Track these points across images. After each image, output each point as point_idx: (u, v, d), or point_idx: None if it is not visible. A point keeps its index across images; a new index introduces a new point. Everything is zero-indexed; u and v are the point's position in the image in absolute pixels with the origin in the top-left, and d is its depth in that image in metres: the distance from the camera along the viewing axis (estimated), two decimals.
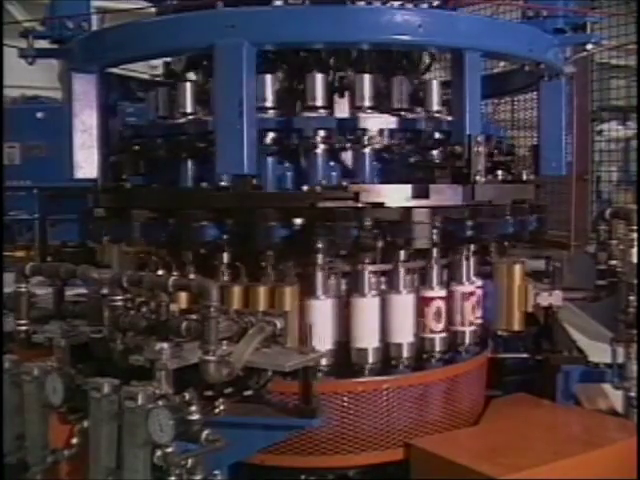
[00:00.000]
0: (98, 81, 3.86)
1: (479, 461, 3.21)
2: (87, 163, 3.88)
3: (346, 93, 3.73)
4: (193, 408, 2.60)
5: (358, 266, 3.51)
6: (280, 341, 3.04)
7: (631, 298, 3.86)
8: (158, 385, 2.67)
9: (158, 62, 4.33)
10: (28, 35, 4.03)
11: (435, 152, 3.68)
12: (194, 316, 2.88)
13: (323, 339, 3.40)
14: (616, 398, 4.07)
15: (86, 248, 4.65)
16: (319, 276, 3.44)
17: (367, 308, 3.49)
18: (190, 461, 2.62)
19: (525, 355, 4.28)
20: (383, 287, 3.61)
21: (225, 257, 3.51)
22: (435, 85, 3.75)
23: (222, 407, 2.98)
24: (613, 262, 4.27)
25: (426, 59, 4.18)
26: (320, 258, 3.40)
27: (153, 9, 4.38)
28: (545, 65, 3.96)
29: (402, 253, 3.53)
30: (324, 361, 3.43)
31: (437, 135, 3.67)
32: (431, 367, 3.63)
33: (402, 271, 3.55)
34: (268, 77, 3.58)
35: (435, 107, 3.71)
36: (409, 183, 3.47)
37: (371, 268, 3.52)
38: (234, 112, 3.21)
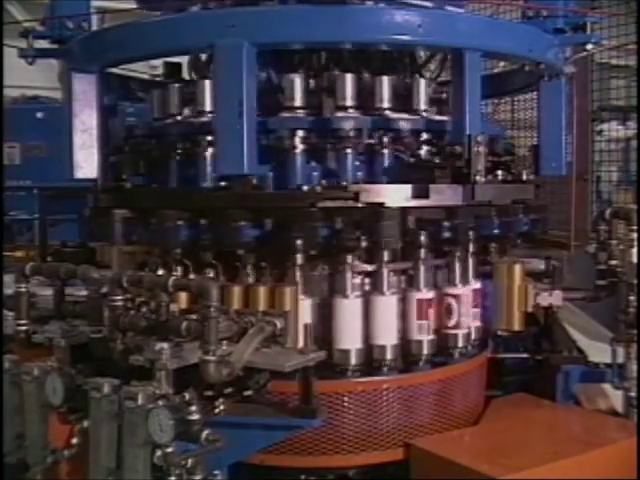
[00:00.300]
0: (98, 81, 3.86)
1: (479, 461, 3.21)
2: (87, 163, 3.88)
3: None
4: (193, 408, 2.60)
5: (339, 267, 3.48)
6: (280, 341, 3.04)
7: (631, 298, 3.85)
8: (158, 385, 2.67)
9: (158, 62, 4.33)
10: (28, 35, 4.04)
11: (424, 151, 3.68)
12: (194, 316, 2.87)
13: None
14: (616, 398, 4.06)
15: (86, 248, 4.64)
16: (298, 276, 3.41)
17: (349, 309, 3.46)
18: (190, 461, 2.62)
19: (525, 355, 4.27)
20: (367, 288, 3.57)
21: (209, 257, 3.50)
22: (423, 84, 3.76)
23: (222, 407, 2.98)
24: (613, 262, 4.26)
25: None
26: (299, 258, 3.39)
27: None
28: (545, 65, 3.96)
29: (385, 253, 3.48)
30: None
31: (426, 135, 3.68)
32: (420, 369, 3.61)
33: (385, 272, 3.50)
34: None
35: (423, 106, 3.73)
36: (409, 183, 3.47)
37: (355, 268, 3.49)
38: (234, 112, 3.21)
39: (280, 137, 3.50)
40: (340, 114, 3.61)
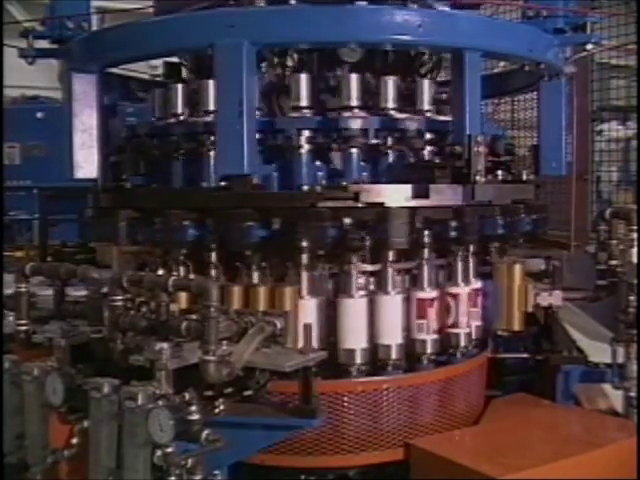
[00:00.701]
0: (98, 81, 3.86)
1: (479, 461, 3.21)
2: (87, 163, 3.88)
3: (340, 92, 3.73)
4: (193, 408, 2.60)
5: (345, 266, 3.48)
6: (280, 341, 3.04)
7: (631, 298, 3.85)
8: (158, 385, 2.67)
9: (158, 62, 4.33)
10: (28, 35, 4.04)
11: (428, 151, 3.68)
12: (194, 316, 2.87)
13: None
14: (616, 398, 4.06)
15: (86, 248, 4.65)
16: (304, 276, 3.42)
17: (354, 309, 3.46)
18: (190, 461, 2.61)
19: (525, 355, 4.27)
20: (372, 288, 3.58)
21: (213, 256, 3.50)
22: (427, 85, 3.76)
23: (222, 407, 2.98)
24: (613, 262, 4.27)
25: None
26: (304, 258, 3.38)
27: (152, 9, 4.38)
28: (545, 65, 3.96)
29: (390, 253, 3.49)
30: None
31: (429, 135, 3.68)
32: (423, 368, 3.61)
33: (390, 271, 3.51)
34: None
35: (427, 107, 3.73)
36: (409, 183, 3.47)
37: (359, 268, 3.49)
38: (234, 112, 3.21)
39: (288, 137, 3.51)
40: (346, 114, 3.60)
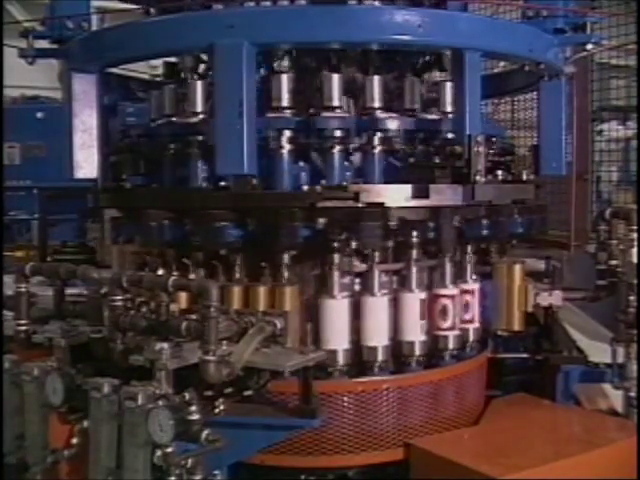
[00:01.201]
0: (98, 81, 3.86)
1: (479, 461, 3.21)
2: (87, 163, 3.88)
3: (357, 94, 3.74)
4: (193, 408, 2.60)
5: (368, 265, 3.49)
6: (280, 341, 3.04)
7: (631, 298, 3.85)
8: (158, 385, 2.67)
9: (158, 62, 4.33)
10: (28, 35, 4.04)
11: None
12: (194, 316, 2.88)
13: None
14: (616, 398, 4.06)
15: (86, 248, 4.65)
16: (335, 276, 3.41)
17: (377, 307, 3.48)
18: (190, 461, 2.62)
19: (525, 355, 4.27)
20: (394, 286, 3.59)
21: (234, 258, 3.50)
22: (449, 86, 3.75)
23: (222, 407, 2.98)
24: (613, 262, 4.27)
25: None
26: (337, 258, 3.38)
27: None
28: (545, 65, 3.96)
29: (414, 252, 3.51)
30: (341, 360, 3.43)
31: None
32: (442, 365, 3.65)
33: (414, 270, 3.53)
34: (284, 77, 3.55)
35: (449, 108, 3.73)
36: (411, 183, 3.47)
37: (382, 267, 3.51)
38: (234, 112, 3.21)
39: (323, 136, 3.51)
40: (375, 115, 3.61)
